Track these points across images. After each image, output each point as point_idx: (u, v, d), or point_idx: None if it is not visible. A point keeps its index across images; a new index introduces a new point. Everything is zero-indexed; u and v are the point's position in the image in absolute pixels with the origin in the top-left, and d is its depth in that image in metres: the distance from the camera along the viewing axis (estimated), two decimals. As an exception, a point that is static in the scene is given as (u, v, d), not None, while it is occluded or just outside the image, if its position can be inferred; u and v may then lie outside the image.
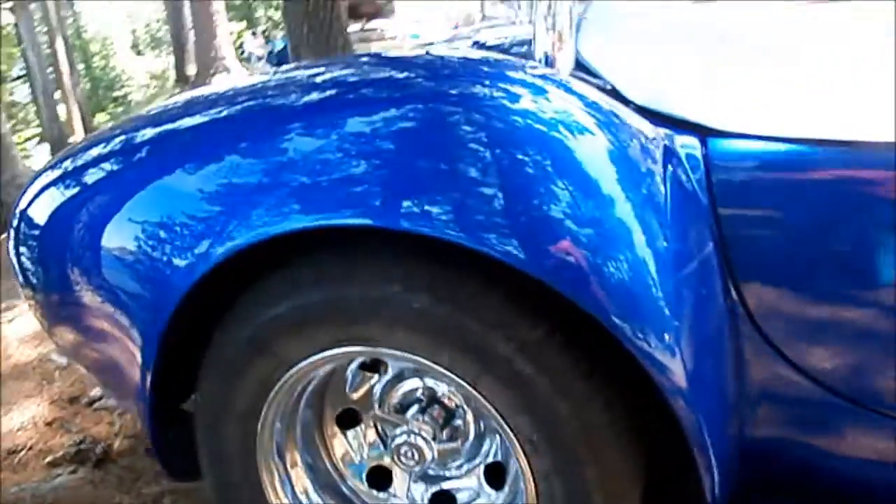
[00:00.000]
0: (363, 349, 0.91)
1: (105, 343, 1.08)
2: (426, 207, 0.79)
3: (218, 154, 0.90)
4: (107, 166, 1.00)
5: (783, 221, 0.85)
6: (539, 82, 0.93)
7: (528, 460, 0.86)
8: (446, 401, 1.04)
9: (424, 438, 1.00)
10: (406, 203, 0.80)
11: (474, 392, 0.86)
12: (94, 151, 1.04)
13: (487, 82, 0.90)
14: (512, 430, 0.86)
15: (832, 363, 0.86)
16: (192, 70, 11.88)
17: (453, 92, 0.86)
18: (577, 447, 0.83)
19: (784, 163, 0.84)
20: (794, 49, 0.93)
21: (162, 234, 0.92)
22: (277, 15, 18.36)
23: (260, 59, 14.87)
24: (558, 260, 0.77)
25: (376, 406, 1.07)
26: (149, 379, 0.97)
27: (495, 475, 1.04)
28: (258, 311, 0.92)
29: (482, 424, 1.03)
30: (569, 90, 0.91)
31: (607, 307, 0.77)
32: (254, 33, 16.24)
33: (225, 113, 0.96)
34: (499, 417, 0.86)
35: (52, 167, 1.09)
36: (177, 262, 0.91)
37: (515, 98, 0.87)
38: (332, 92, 0.94)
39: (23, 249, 1.11)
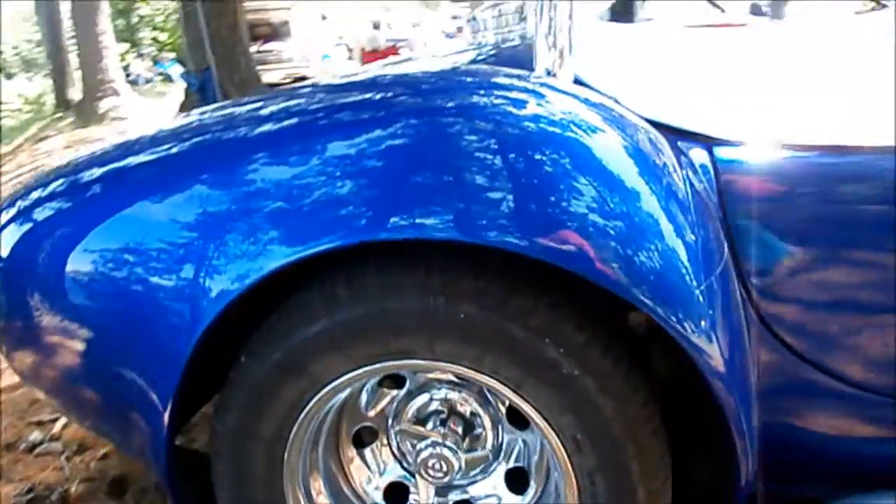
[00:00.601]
0: (400, 363, 0.91)
1: (98, 379, 1.03)
2: (461, 216, 0.82)
3: (246, 179, 0.89)
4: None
5: (788, 222, 0.93)
6: (538, 88, 0.97)
7: (571, 459, 0.89)
8: (463, 410, 1.06)
9: (451, 449, 1.01)
10: (436, 214, 0.82)
11: (516, 396, 0.88)
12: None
13: (482, 92, 0.93)
14: (555, 431, 0.88)
15: (834, 352, 0.95)
16: (74, 94, 11.24)
17: (450, 105, 0.89)
18: (622, 443, 0.86)
19: (786, 168, 0.93)
20: (791, 63, 1.02)
21: (181, 264, 0.89)
22: (163, 36, 17.75)
23: (148, 81, 14.30)
24: (594, 254, 0.80)
25: (395, 421, 1.07)
26: (166, 418, 0.93)
27: (516, 480, 1.07)
28: (290, 331, 0.90)
29: (500, 431, 1.05)
30: (568, 94, 0.96)
31: (647, 296, 0.81)
32: (140, 55, 15.58)
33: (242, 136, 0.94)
34: (541, 419, 0.89)
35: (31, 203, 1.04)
36: (202, 292, 0.88)
37: (521, 104, 0.91)
38: (349, 114, 0.94)
39: None
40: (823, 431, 1.02)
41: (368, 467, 1.10)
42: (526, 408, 0.89)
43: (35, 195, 1.06)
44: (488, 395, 1.04)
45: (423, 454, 1.01)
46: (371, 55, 10.48)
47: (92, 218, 0.97)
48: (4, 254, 1.04)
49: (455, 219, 0.82)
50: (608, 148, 0.89)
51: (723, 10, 1.45)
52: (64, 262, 0.97)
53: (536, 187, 0.82)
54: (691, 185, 0.92)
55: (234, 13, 6.62)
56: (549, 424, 0.88)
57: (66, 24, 11.24)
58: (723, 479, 0.98)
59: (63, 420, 1.95)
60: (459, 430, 1.04)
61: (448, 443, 1.01)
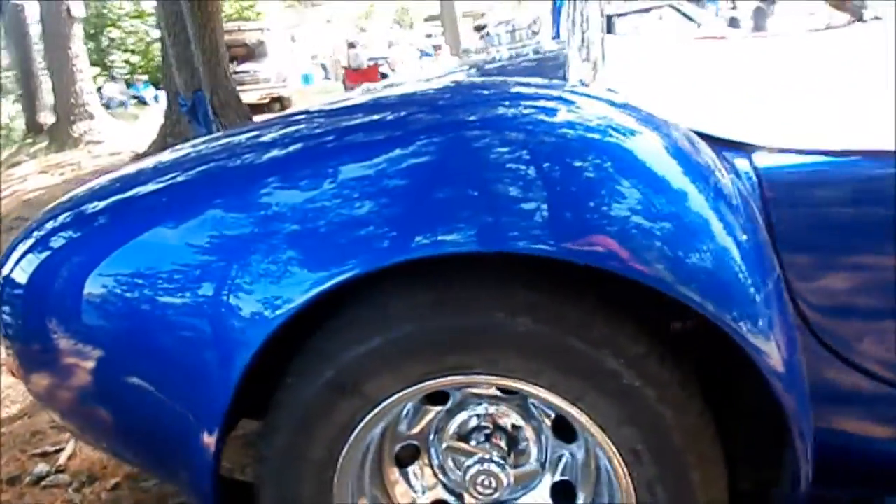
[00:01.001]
0: (455, 379, 0.90)
1: (133, 406, 1.00)
2: (506, 229, 0.81)
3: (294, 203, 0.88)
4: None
5: (831, 227, 0.94)
6: (565, 95, 0.98)
7: (630, 471, 0.89)
8: (506, 424, 1.05)
9: (499, 464, 1.00)
10: (484, 227, 0.82)
11: (574, 409, 0.88)
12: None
13: (507, 103, 0.94)
14: (614, 443, 0.88)
15: (880, 357, 0.95)
16: (45, 118, 11.07)
17: (473, 118, 0.89)
18: (683, 453, 0.86)
19: (828, 173, 0.94)
20: (825, 68, 1.04)
21: (227, 289, 0.88)
22: (135, 59, 17.60)
23: (121, 104, 14.15)
24: (643, 257, 0.80)
25: (437, 438, 1.05)
26: (212, 447, 0.91)
27: (562, 493, 1.06)
28: (341, 350, 0.89)
29: (545, 444, 1.04)
30: (596, 98, 0.97)
31: (702, 296, 0.80)
32: (113, 78, 15.43)
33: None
34: (599, 431, 0.88)
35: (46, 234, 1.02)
36: (250, 316, 0.86)
37: (552, 111, 0.91)
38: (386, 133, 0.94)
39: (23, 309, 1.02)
40: (866, 434, 1.02)
41: (412, 488, 1.08)
42: (584, 420, 0.88)
43: (51, 224, 1.04)
44: (532, 409, 1.03)
45: (471, 471, 1.00)
46: (354, 73, 10.48)
47: (128, 243, 0.95)
48: (23, 281, 1.02)
49: (502, 231, 0.81)
50: (649, 149, 0.88)
51: (699, 24, 1.48)
52: (96, 290, 0.95)
53: (580, 194, 0.82)
54: (737, 187, 0.92)
55: (214, 34, 6.60)
56: (608, 437, 0.88)
57: (36, 48, 11.10)
58: (767, 487, 0.99)
59: (68, 451, 1.90)
60: (504, 444, 1.03)
61: (496, 458, 1.00)
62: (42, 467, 1.83)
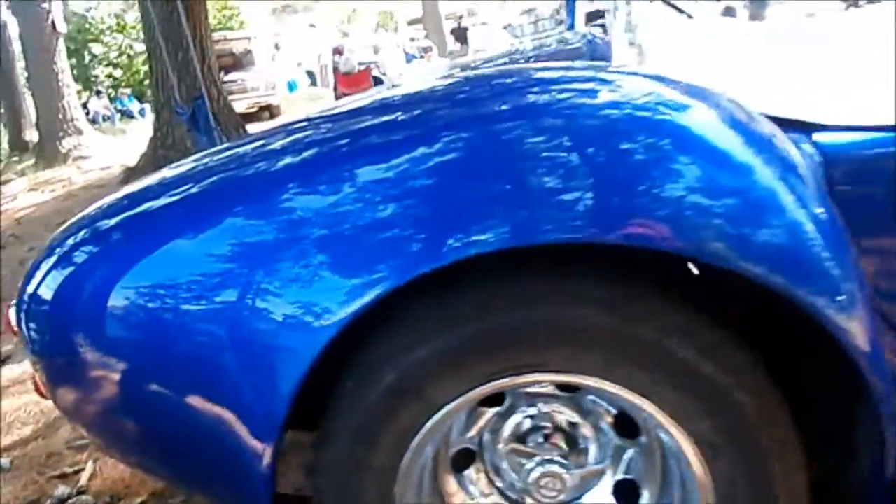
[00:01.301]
0: (522, 379, 0.86)
1: (177, 421, 0.96)
2: (560, 219, 0.78)
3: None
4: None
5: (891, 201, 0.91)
6: (601, 75, 0.94)
7: (708, 465, 0.85)
8: (563, 423, 1.01)
9: (563, 465, 0.96)
10: (539, 219, 0.79)
11: (646, 404, 0.84)
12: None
13: (537, 90, 0.90)
14: (691, 437, 0.84)
15: None
16: (30, 135, 10.95)
17: (503, 108, 0.85)
18: (764, 443, 0.83)
19: (891, 150, 0.91)
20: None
21: (283, 297, 0.84)
22: (118, 73, 17.45)
23: (107, 119, 14.02)
24: (715, 238, 0.77)
25: (494, 441, 1.02)
26: (268, 461, 0.87)
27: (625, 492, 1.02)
28: (403, 353, 0.85)
29: (605, 442, 1.01)
30: (639, 75, 0.93)
31: (779, 274, 0.77)
32: (98, 93, 15.29)
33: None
34: (674, 425, 0.85)
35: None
36: (308, 324, 0.83)
37: (592, 93, 0.87)
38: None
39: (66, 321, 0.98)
40: None
41: (469, 494, 1.04)
42: (656, 415, 0.85)
43: (82, 238, 1.00)
44: (591, 406, 1.00)
45: (534, 474, 0.96)
46: (346, 77, 10.39)
47: (174, 255, 0.91)
48: (48, 297, 0.98)
49: (559, 221, 0.78)
50: (705, 122, 0.84)
51: (690, 16, 1.45)
52: (138, 302, 0.90)
53: (638, 177, 0.78)
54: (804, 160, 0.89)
55: (204, 42, 6.54)
56: (684, 431, 0.84)
57: (19, 66, 10.98)
58: (835, 476, 0.95)
59: (88, 471, 1.85)
60: (563, 444, 1.00)
61: (558, 459, 0.97)
62: (63, 490, 1.78)
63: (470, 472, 1.04)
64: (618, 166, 0.79)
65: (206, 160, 1.06)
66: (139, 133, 10.87)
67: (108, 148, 9.91)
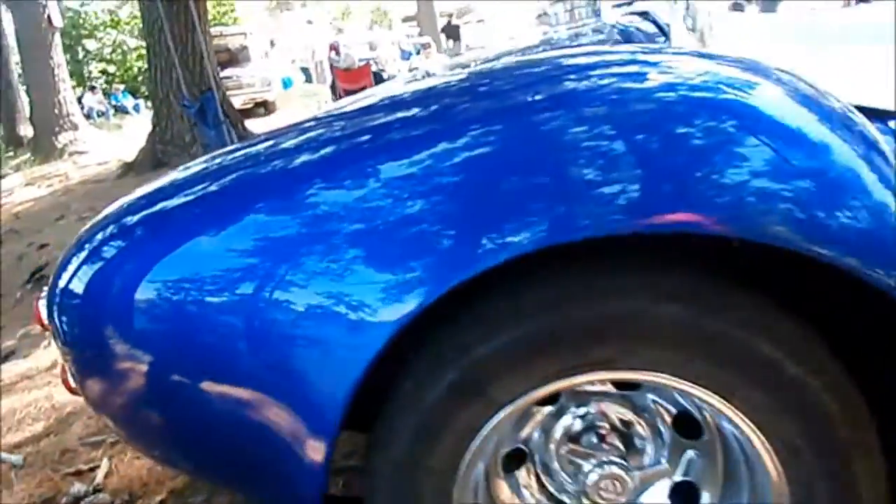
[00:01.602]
0: (590, 376, 0.83)
1: (218, 418, 0.92)
2: (626, 209, 0.75)
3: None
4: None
5: None
6: (649, 57, 0.90)
7: (786, 467, 0.82)
8: (617, 423, 0.97)
9: (623, 466, 0.93)
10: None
11: (722, 404, 0.81)
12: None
13: (574, 77, 0.86)
14: (769, 438, 0.81)
15: None
16: (25, 130, 10.84)
17: (538, 98, 0.82)
18: (848, 445, 0.79)
19: None
20: None
21: (342, 292, 0.80)
22: (111, 69, 17.32)
23: (101, 114, 13.91)
24: (782, 220, 0.73)
25: (547, 441, 0.98)
26: (321, 463, 0.83)
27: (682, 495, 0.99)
28: (467, 348, 0.81)
29: (663, 442, 0.97)
30: (691, 54, 0.89)
31: (860, 259, 0.73)
32: (92, 88, 15.15)
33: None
34: (752, 426, 0.81)
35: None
36: (368, 320, 0.78)
37: (641, 76, 0.83)
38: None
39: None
40: None
41: (520, 496, 1.00)
42: (731, 414, 0.81)
43: (111, 232, 0.96)
44: (649, 405, 0.96)
45: (593, 476, 0.92)
46: (346, 73, 10.31)
47: (223, 247, 0.86)
48: (80, 290, 0.94)
49: (630, 210, 0.74)
50: (773, 101, 0.80)
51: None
52: (184, 296, 0.86)
53: (705, 162, 0.74)
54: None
55: (206, 37, 6.47)
56: (763, 431, 0.81)
57: (13, 60, 10.88)
58: None
59: (104, 468, 1.81)
60: (620, 445, 0.96)
61: (618, 460, 0.93)
62: (79, 487, 1.73)
63: (521, 474, 1.01)
64: (681, 151, 0.75)
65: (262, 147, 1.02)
66: (135, 128, 10.80)
67: (104, 143, 9.83)
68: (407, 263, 0.77)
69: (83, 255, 0.97)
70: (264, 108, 12.05)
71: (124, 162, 7.67)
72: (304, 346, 0.81)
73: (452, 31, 15.87)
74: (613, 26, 1.54)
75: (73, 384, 1.06)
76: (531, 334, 0.79)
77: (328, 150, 0.88)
